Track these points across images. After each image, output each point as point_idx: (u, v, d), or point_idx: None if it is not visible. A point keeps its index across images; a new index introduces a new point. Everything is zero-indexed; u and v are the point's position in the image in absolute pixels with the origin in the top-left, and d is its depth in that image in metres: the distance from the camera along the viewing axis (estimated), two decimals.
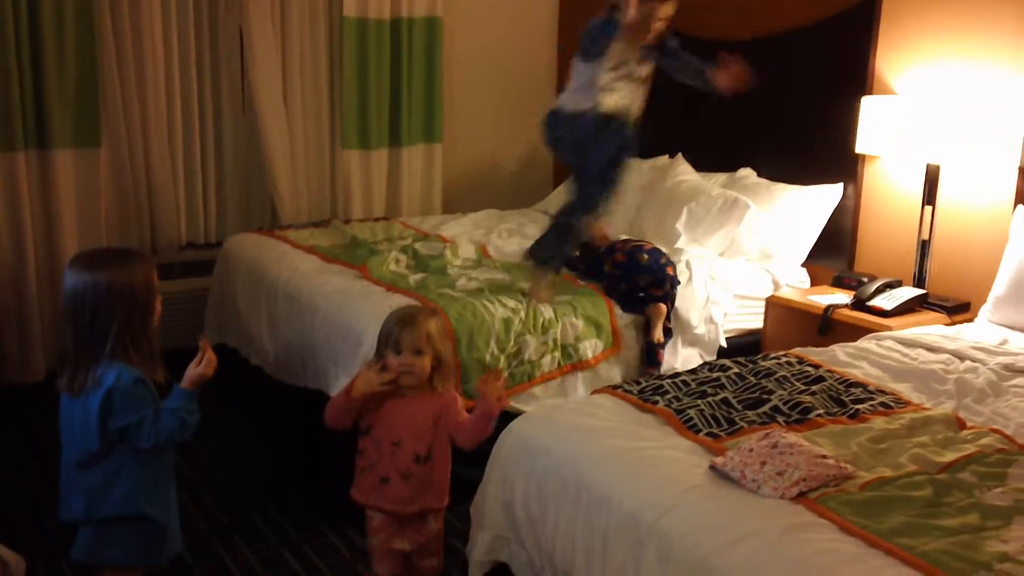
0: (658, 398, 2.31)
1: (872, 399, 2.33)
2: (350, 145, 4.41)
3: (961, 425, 2.23)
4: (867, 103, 3.37)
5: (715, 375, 2.50)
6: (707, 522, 1.78)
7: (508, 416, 2.34)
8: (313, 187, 4.44)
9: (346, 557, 2.66)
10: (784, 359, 2.63)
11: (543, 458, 2.14)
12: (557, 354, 3.10)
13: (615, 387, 2.44)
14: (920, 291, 3.31)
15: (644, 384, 2.43)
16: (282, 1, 4.17)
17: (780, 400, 2.30)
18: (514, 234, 4.06)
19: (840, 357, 2.68)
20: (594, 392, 2.53)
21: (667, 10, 2.95)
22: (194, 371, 2.04)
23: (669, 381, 2.45)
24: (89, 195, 3.82)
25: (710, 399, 2.31)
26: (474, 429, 2.16)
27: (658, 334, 3.25)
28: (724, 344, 3.47)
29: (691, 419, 2.18)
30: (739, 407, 2.27)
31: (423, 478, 2.18)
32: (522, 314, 3.03)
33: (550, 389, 3.08)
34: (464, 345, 2.90)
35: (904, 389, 2.47)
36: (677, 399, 2.31)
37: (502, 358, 2.98)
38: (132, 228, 4.00)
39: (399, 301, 3.01)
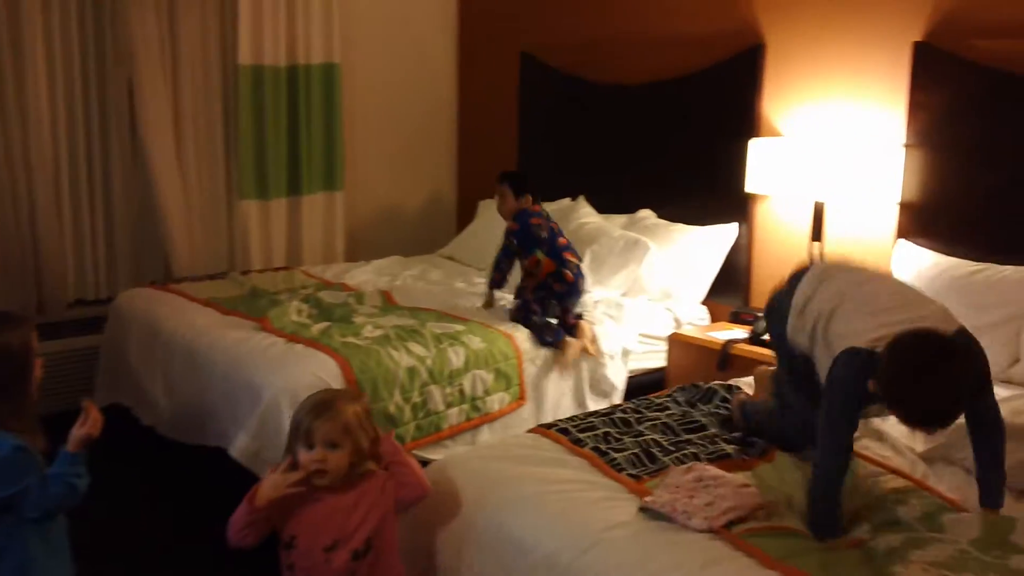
0: (586, 437, 2.33)
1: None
2: (247, 195, 4.33)
3: None
4: (754, 145, 3.50)
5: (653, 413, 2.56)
6: (627, 559, 1.79)
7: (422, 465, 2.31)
8: (210, 239, 4.34)
9: None
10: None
11: (458, 503, 2.11)
12: (466, 406, 3.09)
13: (548, 426, 2.45)
14: None
15: (576, 422, 2.44)
16: (173, 51, 4.10)
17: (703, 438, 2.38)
18: (419, 280, 4.04)
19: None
20: (529, 431, 2.49)
21: None
22: (79, 432, 1.95)
23: (601, 419, 2.48)
24: None
25: (642, 438, 2.36)
26: (409, 475, 1.99)
27: (571, 355, 3.30)
28: (619, 386, 3.50)
29: (615, 460, 2.21)
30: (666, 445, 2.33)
31: (369, 572, 1.95)
32: (428, 362, 3.01)
33: (459, 441, 3.06)
34: (369, 396, 2.85)
35: None
36: (606, 438, 2.34)
37: (407, 408, 2.94)
38: (16, 286, 3.81)
39: (301, 351, 2.96)
